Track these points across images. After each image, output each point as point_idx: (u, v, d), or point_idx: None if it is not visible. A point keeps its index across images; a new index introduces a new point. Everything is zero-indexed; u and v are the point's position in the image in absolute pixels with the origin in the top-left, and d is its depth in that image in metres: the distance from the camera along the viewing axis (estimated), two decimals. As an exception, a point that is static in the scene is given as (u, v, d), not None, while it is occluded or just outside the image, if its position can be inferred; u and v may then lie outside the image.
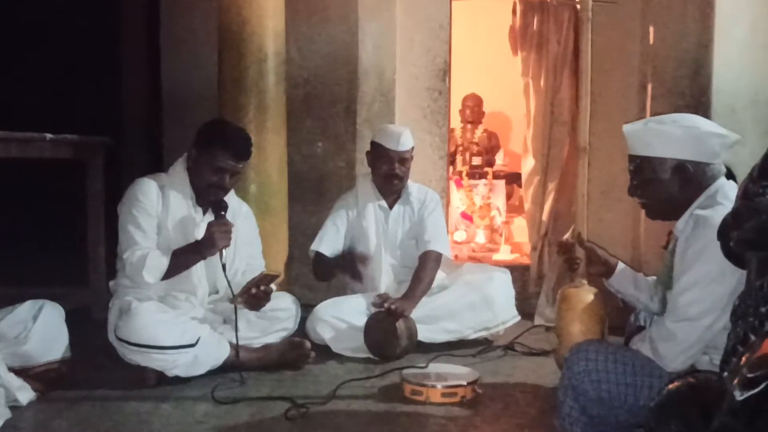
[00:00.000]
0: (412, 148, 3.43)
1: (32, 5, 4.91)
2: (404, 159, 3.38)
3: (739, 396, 1.04)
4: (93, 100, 4.75)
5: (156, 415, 2.45)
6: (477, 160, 5.97)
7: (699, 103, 3.52)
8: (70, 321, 2.79)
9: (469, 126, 6.20)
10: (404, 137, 3.36)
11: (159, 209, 2.86)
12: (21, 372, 2.53)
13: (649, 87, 3.72)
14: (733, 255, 1.47)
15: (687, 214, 2.08)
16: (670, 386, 1.32)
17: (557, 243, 2.87)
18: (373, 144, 3.44)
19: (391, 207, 3.48)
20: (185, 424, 2.39)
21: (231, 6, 3.29)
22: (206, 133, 2.91)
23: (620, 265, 2.48)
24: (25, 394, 2.46)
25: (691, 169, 2.06)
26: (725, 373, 1.24)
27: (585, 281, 2.65)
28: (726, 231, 1.44)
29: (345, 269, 3.37)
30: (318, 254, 3.42)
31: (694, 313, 1.95)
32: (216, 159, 2.83)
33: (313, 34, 3.97)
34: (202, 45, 3.95)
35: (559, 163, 4.14)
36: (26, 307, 2.68)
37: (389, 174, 3.37)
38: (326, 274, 3.48)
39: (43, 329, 2.65)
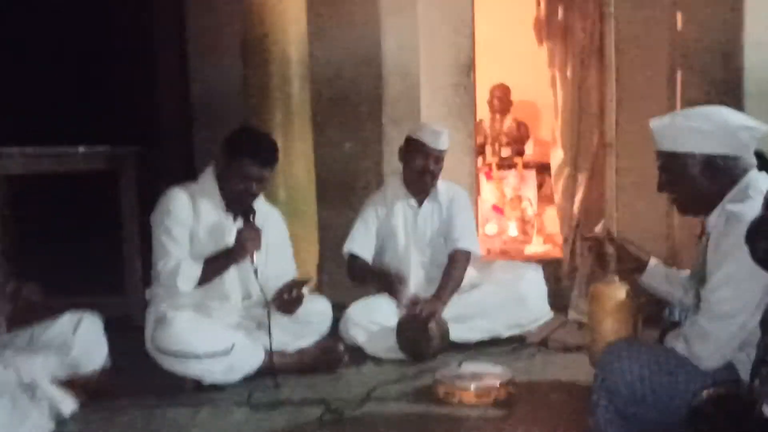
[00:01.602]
0: (446, 150, 3.43)
1: (61, 18, 4.99)
2: (439, 158, 3.38)
3: (768, 413, 1.03)
4: (125, 110, 4.82)
5: (194, 422, 2.50)
6: (506, 152, 5.89)
7: (729, 88, 3.45)
8: (110, 329, 2.85)
9: (497, 116, 6.13)
10: (444, 137, 3.37)
11: (190, 218, 2.91)
12: (63, 383, 2.58)
13: (679, 74, 3.65)
14: (762, 261, 1.44)
15: (718, 209, 2.03)
16: (702, 394, 1.30)
17: (587, 239, 2.83)
18: (410, 140, 3.41)
19: (419, 205, 3.47)
20: (223, 430, 2.44)
21: (253, 14, 3.31)
22: (232, 142, 2.93)
23: (652, 261, 2.44)
24: (68, 406, 2.51)
25: (721, 163, 2.02)
26: (756, 382, 1.22)
27: (616, 277, 2.61)
28: (753, 239, 1.41)
29: (382, 285, 3.33)
30: (352, 256, 3.43)
31: (727, 310, 1.92)
32: (242, 168, 2.86)
33: (336, 35, 3.97)
34: (229, 52, 3.97)
35: (588, 154, 4.08)
36: (66, 320, 2.74)
37: (424, 170, 3.36)
38: (362, 280, 3.45)
39: (84, 340, 2.72)
